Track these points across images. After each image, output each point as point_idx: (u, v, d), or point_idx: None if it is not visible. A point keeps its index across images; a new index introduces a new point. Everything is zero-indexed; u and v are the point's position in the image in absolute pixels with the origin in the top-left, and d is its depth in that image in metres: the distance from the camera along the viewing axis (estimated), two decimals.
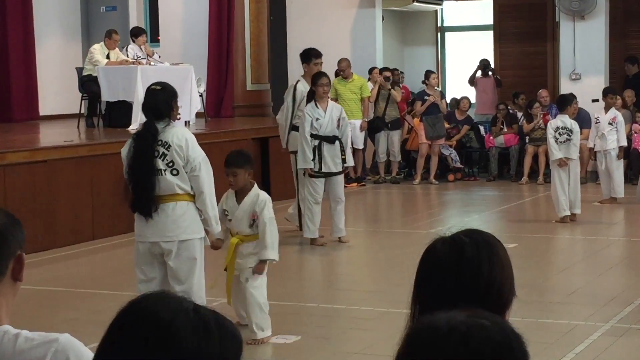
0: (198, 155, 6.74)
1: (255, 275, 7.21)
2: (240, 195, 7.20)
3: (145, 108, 6.85)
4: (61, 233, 11.29)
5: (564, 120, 12.70)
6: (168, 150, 6.69)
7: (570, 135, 12.53)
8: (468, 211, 14.16)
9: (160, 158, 6.69)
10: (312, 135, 11.06)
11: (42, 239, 10.93)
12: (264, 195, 7.25)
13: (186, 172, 6.70)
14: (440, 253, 2.56)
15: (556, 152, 12.53)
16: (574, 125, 12.71)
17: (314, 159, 11.06)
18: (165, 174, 6.69)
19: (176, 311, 1.72)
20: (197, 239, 6.85)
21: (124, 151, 6.82)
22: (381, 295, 8.85)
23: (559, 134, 12.52)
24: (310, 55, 11.96)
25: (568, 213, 12.47)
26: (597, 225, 12.67)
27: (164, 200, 6.73)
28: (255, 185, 7.31)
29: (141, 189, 6.70)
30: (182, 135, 6.76)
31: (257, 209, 7.12)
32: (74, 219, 11.45)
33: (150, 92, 6.91)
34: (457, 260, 2.53)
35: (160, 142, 6.70)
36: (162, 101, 6.76)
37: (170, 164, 6.70)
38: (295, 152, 11.50)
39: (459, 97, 18.08)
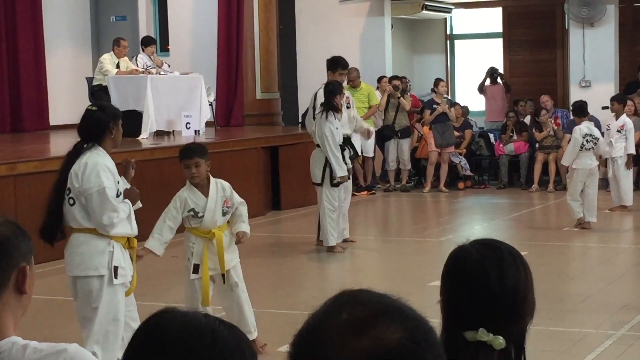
0: (92, 185, 5.98)
1: (240, 276, 7.13)
2: (201, 188, 7.03)
3: (78, 129, 6.28)
4: None
5: (591, 127, 12.62)
6: (69, 178, 6.06)
7: (595, 143, 12.46)
8: (478, 219, 14.14)
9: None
10: None
11: (52, 248, 10.92)
12: (222, 181, 7.16)
13: (81, 204, 6.04)
14: (478, 262, 2.52)
15: (570, 158, 12.53)
16: (598, 133, 12.70)
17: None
18: (65, 203, 6.11)
19: (169, 318, 1.70)
20: (95, 277, 6.14)
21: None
22: None
23: (587, 140, 12.44)
24: (337, 65, 11.77)
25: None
26: (608, 233, 12.64)
27: (68, 230, 6.21)
28: (210, 175, 7.17)
29: (47, 211, 6.19)
30: (83, 162, 6.03)
31: (226, 195, 7.06)
32: None
33: (86, 112, 6.40)
34: (499, 270, 2.51)
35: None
36: (93, 123, 6.25)
37: (68, 192, 6.08)
38: None
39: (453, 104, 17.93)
